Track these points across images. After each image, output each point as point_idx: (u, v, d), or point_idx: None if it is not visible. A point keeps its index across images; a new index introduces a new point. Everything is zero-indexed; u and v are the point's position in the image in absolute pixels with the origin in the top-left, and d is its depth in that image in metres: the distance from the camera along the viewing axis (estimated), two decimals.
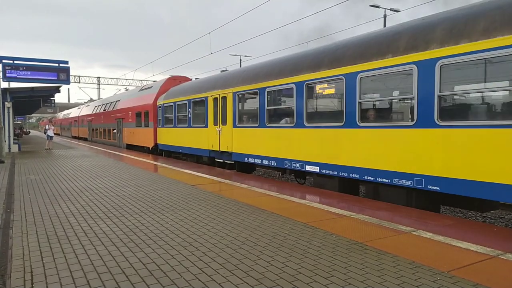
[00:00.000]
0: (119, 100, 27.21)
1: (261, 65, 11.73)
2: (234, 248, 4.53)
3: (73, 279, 3.62)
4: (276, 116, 10.67)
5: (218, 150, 13.28)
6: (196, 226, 5.51)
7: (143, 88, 23.74)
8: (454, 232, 5.13)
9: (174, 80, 20.20)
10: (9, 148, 21.51)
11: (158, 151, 19.57)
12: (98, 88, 61.96)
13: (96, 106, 34.63)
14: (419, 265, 3.93)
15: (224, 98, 12.79)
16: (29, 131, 71.37)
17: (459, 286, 3.44)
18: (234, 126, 12.14)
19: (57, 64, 18.99)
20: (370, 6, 27.15)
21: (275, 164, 10.26)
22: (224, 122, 12.82)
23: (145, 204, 7.05)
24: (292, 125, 9.53)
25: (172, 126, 17.32)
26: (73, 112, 48.26)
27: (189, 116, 15.55)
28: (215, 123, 13.41)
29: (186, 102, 15.78)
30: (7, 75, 17.67)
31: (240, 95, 12.05)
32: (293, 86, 9.46)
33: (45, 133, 28.66)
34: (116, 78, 62.16)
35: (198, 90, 14.95)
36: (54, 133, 42.94)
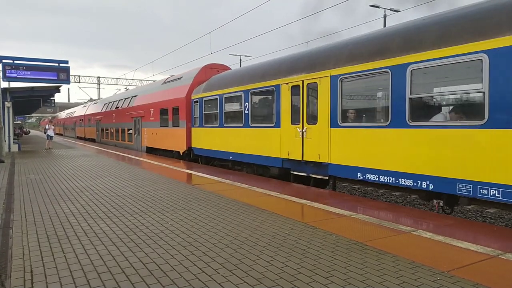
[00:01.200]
0: (136, 96, 23.69)
1: (384, 33, 7.96)
2: (234, 248, 4.53)
3: (73, 278, 3.62)
4: (427, 110, 7.10)
5: (300, 159, 9.65)
6: (196, 226, 5.51)
7: (168, 80, 19.78)
8: (454, 232, 5.13)
9: (211, 69, 16.59)
10: (9, 147, 21.53)
11: (192, 156, 16.00)
12: (98, 88, 62.17)
13: (106, 104, 30.91)
14: (419, 265, 3.94)
15: (312, 85, 9.30)
16: (29, 131, 71.44)
17: (459, 286, 3.45)
18: (334, 125, 8.60)
19: (57, 64, 19.01)
20: (370, 6, 27.45)
21: (430, 187, 6.64)
22: (312, 120, 9.29)
23: (145, 204, 7.05)
24: (480, 123, 5.85)
25: (217, 125, 13.65)
26: (78, 111, 44.36)
27: (246, 112, 11.93)
28: (295, 121, 9.85)
29: (241, 93, 12.14)
30: (7, 75, 17.70)
31: (345, 79, 8.36)
32: (483, 57, 5.77)
33: (45, 133, 28.66)
34: (116, 78, 62.41)
35: (262, 77, 11.33)
36: (56, 133, 42.70)
